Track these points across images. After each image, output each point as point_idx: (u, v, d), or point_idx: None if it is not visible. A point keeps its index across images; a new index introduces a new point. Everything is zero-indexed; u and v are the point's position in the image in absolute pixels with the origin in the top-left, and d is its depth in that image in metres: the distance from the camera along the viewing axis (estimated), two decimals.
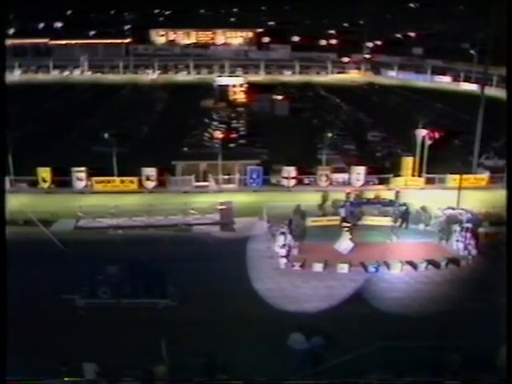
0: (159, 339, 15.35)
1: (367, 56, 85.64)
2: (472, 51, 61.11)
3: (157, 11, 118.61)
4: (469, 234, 24.50)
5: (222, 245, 25.82)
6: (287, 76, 77.49)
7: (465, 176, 31.22)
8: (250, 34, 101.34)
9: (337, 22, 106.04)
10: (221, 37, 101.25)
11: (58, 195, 32.93)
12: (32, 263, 21.46)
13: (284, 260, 23.47)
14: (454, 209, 27.96)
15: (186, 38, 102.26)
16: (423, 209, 28.37)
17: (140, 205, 30.40)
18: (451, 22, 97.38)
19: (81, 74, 78.22)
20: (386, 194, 30.96)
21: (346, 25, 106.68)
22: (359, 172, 34.69)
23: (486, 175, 35.17)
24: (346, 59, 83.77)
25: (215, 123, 48.48)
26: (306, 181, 35.07)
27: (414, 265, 23.41)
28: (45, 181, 33.66)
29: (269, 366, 15.59)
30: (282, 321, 18.30)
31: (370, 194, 31.19)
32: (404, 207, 27.73)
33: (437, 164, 35.24)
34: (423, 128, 34.74)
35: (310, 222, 27.14)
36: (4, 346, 8.67)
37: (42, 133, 44.06)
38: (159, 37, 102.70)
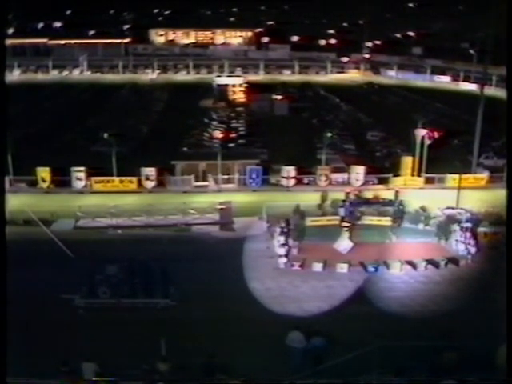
0: (159, 339, 15.38)
1: (367, 56, 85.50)
2: (472, 51, 61.00)
3: (156, 11, 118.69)
4: (468, 234, 24.51)
5: (221, 244, 25.79)
6: (286, 76, 77.33)
7: (464, 176, 31.20)
8: (250, 34, 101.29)
9: (336, 21, 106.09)
10: (220, 37, 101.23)
11: (57, 195, 32.91)
12: (32, 263, 21.50)
13: (283, 260, 23.47)
14: (453, 208, 28.00)
15: (185, 37, 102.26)
16: (422, 208, 28.40)
17: (139, 205, 30.37)
18: (451, 22, 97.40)
19: (80, 74, 78.07)
20: (386, 193, 30.98)
21: (345, 25, 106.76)
22: (358, 172, 34.67)
23: (485, 175, 35.14)
24: (345, 59, 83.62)
25: (214, 123, 48.46)
26: (306, 180, 35.06)
27: (413, 264, 23.42)
28: (44, 181, 33.63)
29: (269, 366, 15.61)
30: (281, 320, 18.29)
31: (370, 194, 31.19)
32: (400, 206, 27.78)
33: (436, 164, 35.22)
34: (423, 128, 34.74)
35: (310, 221, 27.11)
36: (4, 346, 8.68)
37: (42, 133, 44.01)
38: (158, 37, 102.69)
